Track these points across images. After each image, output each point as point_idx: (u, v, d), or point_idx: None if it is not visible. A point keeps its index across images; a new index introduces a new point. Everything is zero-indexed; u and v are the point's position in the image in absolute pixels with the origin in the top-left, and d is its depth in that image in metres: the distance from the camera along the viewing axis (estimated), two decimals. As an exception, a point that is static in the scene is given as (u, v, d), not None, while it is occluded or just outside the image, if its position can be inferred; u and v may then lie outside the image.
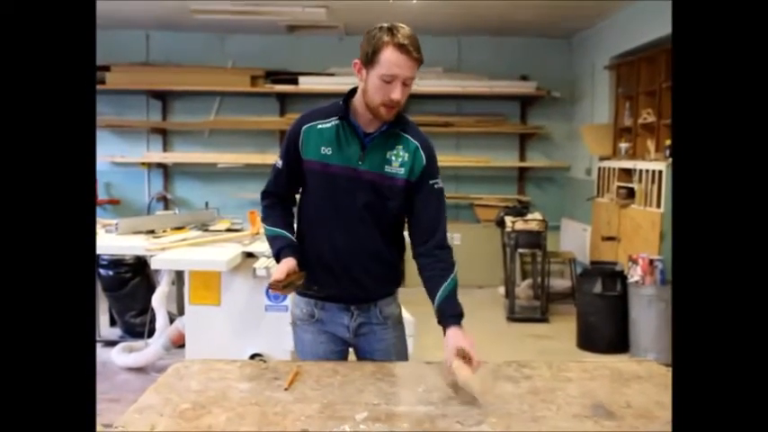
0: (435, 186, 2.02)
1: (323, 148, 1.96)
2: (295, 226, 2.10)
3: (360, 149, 1.95)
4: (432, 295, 1.97)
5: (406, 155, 1.97)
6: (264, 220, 2.10)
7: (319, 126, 1.98)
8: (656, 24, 5.13)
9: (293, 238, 2.04)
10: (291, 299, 2.16)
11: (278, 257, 1.99)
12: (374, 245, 2.00)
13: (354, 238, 1.98)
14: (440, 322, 1.93)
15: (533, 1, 5.67)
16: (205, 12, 6.06)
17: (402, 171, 1.97)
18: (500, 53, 7.26)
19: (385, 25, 1.87)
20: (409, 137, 2.00)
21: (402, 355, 2.13)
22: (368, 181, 1.95)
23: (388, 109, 1.89)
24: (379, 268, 2.04)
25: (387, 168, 1.96)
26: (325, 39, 7.13)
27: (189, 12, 6.07)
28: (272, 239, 2.05)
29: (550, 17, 6.30)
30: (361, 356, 2.11)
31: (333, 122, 1.97)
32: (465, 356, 1.78)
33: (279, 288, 1.88)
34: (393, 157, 1.97)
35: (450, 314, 1.92)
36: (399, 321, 2.15)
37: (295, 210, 2.15)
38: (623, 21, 5.97)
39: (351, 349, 2.15)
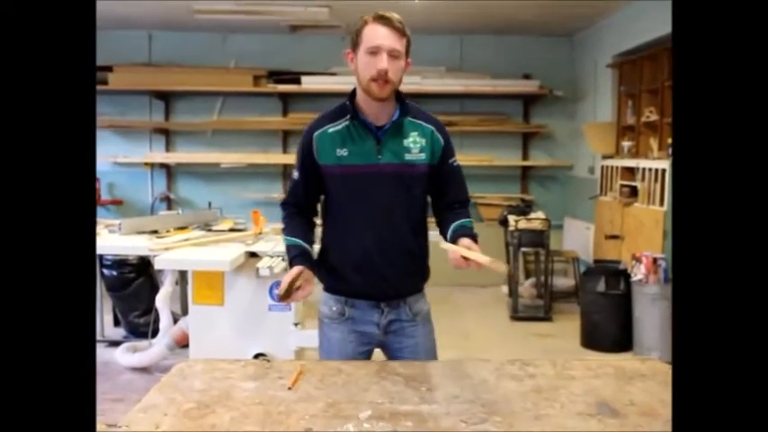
0: (454, 164, 2.07)
1: (338, 150, 1.96)
2: (317, 232, 2.13)
3: (375, 143, 1.96)
4: (445, 229, 2.02)
5: (424, 140, 1.99)
6: (283, 230, 2.11)
7: (330, 130, 1.99)
8: (659, 22, 5.12)
9: (307, 246, 2.04)
10: (320, 297, 2.16)
11: (290, 264, 2.00)
12: (402, 239, 2.00)
13: (383, 235, 1.99)
14: (452, 240, 1.96)
15: (535, 0, 5.66)
16: (207, 12, 6.07)
17: (423, 156, 1.99)
18: (502, 52, 7.25)
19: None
20: (422, 122, 2.01)
21: (430, 352, 2.13)
22: (390, 173, 1.96)
23: (380, 85, 1.89)
24: (408, 262, 2.04)
25: (407, 156, 1.97)
26: (328, 38, 7.14)
27: (191, 12, 6.08)
28: (287, 249, 2.05)
29: (553, 16, 6.30)
30: (390, 354, 2.11)
31: (343, 123, 1.98)
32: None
33: (284, 298, 1.89)
34: (411, 145, 1.98)
35: (463, 233, 1.97)
36: (428, 319, 2.16)
37: (317, 219, 2.16)
38: (625, 19, 5.96)
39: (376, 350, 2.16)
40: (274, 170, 7.34)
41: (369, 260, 1.99)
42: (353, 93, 2.02)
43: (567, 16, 6.32)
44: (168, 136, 7.39)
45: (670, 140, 5.07)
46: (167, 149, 7.37)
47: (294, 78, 6.97)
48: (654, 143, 5.37)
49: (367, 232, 1.99)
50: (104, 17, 6.20)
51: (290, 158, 7.24)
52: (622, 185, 5.59)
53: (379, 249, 1.99)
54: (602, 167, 6.15)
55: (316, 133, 1.99)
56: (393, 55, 1.87)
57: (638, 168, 5.35)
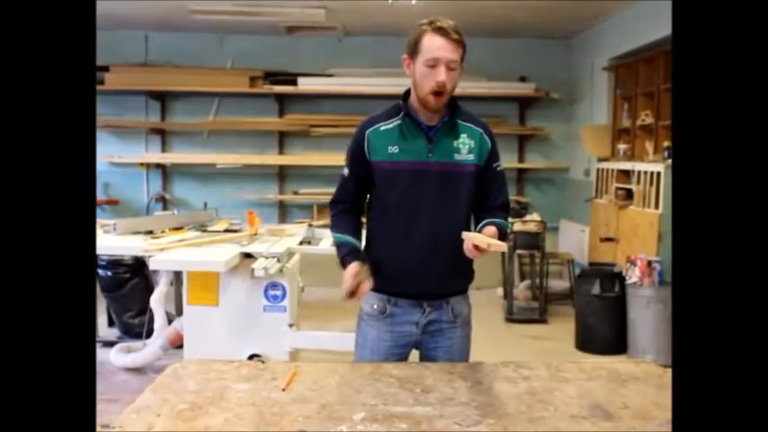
0: (498, 169, 2.11)
1: (390, 147, 2.00)
2: (364, 231, 2.14)
3: (427, 142, 2.00)
4: (477, 227, 2.05)
5: (473, 141, 2.03)
6: (333, 227, 2.13)
7: (382, 128, 2.03)
8: (655, 26, 5.13)
9: (358, 243, 2.06)
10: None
11: (343, 264, 2.00)
12: (449, 238, 2.00)
13: (430, 233, 2.01)
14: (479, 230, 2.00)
15: (532, 2, 5.67)
16: (204, 12, 6.06)
17: (472, 157, 2.03)
18: (499, 54, 7.26)
19: (427, 19, 1.96)
20: (471, 125, 2.06)
21: (464, 353, 2.15)
22: (439, 172, 2.00)
23: (437, 97, 1.94)
24: (454, 261, 2.05)
25: (456, 156, 2.01)
26: (324, 40, 7.14)
27: (188, 12, 6.07)
28: (338, 246, 2.07)
29: (549, 18, 6.31)
30: (423, 353, 2.12)
31: (395, 122, 2.02)
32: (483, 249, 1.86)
33: (351, 296, 1.89)
34: (461, 146, 2.02)
35: (490, 222, 2.01)
36: (468, 321, 2.18)
37: (363, 219, 2.18)
38: (622, 22, 5.98)
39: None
40: (270, 171, 7.33)
41: (415, 258, 2.01)
42: (407, 92, 2.05)
43: (563, 19, 6.33)
44: (164, 136, 7.38)
45: (665, 143, 5.09)
46: (163, 150, 7.36)
47: (290, 79, 6.97)
48: (649, 146, 5.38)
49: (414, 230, 2.01)
50: (101, 17, 6.17)
51: (286, 159, 7.25)
52: (618, 188, 5.61)
53: (426, 248, 2.00)
54: (598, 170, 6.16)
55: (368, 130, 2.03)
56: (450, 67, 1.92)
57: (633, 171, 5.36)
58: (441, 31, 1.90)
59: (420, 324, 2.08)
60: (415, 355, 2.16)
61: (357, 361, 2.14)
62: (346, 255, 2.01)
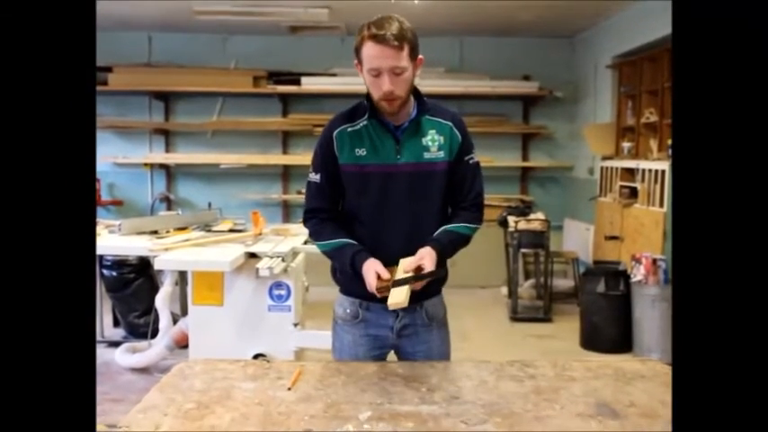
0: (471, 162, 2.02)
1: (357, 150, 1.94)
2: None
3: (395, 143, 1.94)
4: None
5: (442, 137, 1.96)
6: (318, 237, 2.02)
7: (349, 129, 1.96)
8: (658, 24, 5.12)
9: (356, 242, 1.96)
10: (335, 297, 2.12)
11: (353, 264, 1.92)
12: (421, 240, 1.94)
13: (401, 236, 1.95)
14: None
15: (535, 1, 5.66)
16: (207, 13, 6.07)
17: (442, 154, 1.96)
18: (502, 53, 7.25)
19: (370, 20, 1.87)
20: (440, 119, 1.98)
21: (444, 356, 2.09)
22: (409, 173, 1.94)
23: (389, 102, 1.87)
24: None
25: (426, 155, 1.95)
26: (328, 39, 7.14)
27: (191, 13, 6.08)
28: (337, 251, 1.97)
29: (552, 17, 6.30)
30: (402, 357, 2.08)
31: (361, 123, 1.96)
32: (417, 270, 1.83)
33: (385, 291, 1.83)
34: (430, 143, 1.95)
35: (436, 238, 1.94)
36: (444, 323, 2.12)
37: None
38: (625, 20, 5.97)
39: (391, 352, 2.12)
40: (274, 171, 7.34)
41: (386, 263, 1.91)
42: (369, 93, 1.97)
43: (566, 17, 6.32)
44: (168, 137, 7.39)
45: (670, 141, 5.08)
46: (167, 150, 7.37)
47: (294, 79, 6.97)
48: (654, 144, 5.37)
49: (385, 234, 1.96)
50: (104, 18, 6.20)
51: (290, 159, 7.25)
52: (622, 186, 5.60)
53: (397, 251, 1.93)
54: (602, 168, 6.15)
55: (335, 132, 1.96)
56: (395, 72, 1.83)
57: (637, 169, 5.35)
58: (377, 38, 1.80)
59: (395, 328, 2.03)
60: (392, 357, 2.12)
61: None
62: (355, 254, 1.92)
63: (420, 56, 1.91)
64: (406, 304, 1.79)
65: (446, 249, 1.94)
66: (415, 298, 1.96)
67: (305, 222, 2.07)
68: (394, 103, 1.88)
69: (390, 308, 1.80)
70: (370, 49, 1.83)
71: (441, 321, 2.10)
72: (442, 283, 2.10)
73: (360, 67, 1.91)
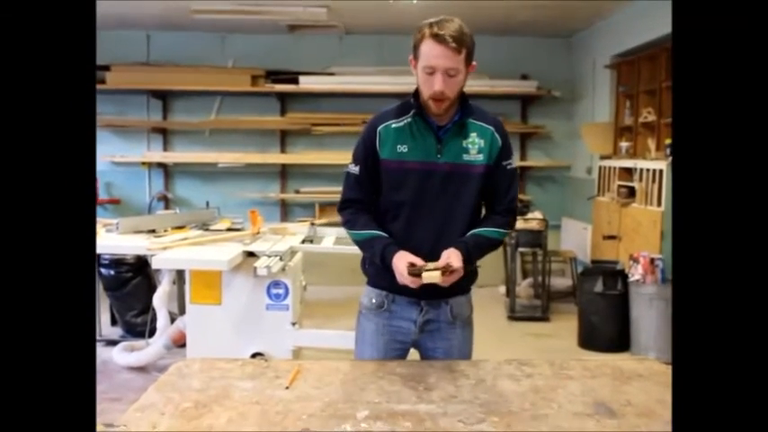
0: (508, 167, 2.06)
1: (399, 146, 1.97)
2: None
3: (436, 142, 1.97)
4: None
5: (483, 141, 2.00)
6: (352, 227, 2.05)
7: (393, 125, 1.99)
8: (657, 23, 5.12)
9: (385, 233, 2.00)
10: (363, 290, 2.14)
11: (384, 255, 1.94)
12: (452, 238, 1.97)
13: (433, 233, 1.98)
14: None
15: (533, 0, 5.66)
16: (206, 11, 6.06)
17: (481, 157, 1.99)
18: (500, 52, 7.25)
19: (431, 19, 1.91)
20: (482, 123, 2.02)
21: (464, 356, 2.11)
22: (448, 173, 1.97)
23: (436, 102, 1.91)
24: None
25: (465, 157, 1.98)
26: (326, 38, 7.13)
27: (189, 12, 6.07)
28: (368, 242, 2.00)
29: (551, 16, 6.30)
30: (423, 353, 2.10)
31: (406, 120, 1.99)
32: (446, 270, 1.85)
33: (417, 274, 1.84)
34: (470, 146, 1.99)
35: (463, 240, 1.96)
36: (468, 323, 2.15)
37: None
38: (623, 19, 5.97)
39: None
40: (272, 170, 7.33)
41: (418, 254, 1.92)
42: (418, 90, 2.00)
43: (564, 17, 6.32)
44: (166, 135, 7.38)
45: (668, 141, 5.08)
46: (165, 149, 7.36)
47: (292, 78, 6.96)
48: (651, 144, 5.37)
49: (418, 230, 1.99)
50: (102, 17, 6.19)
51: (288, 158, 7.25)
52: (620, 186, 5.60)
53: (428, 248, 1.95)
54: (600, 168, 6.15)
55: (380, 127, 2.00)
56: (449, 74, 1.87)
57: (635, 169, 5.36)
58: (438, 38, 1.85)
59: (418, 323, 2.05)
60: (414, 354, 2.14)
61: (357, 355, 2.13)
62: (386, 246, 1.95)
63: (474, 62, 1.97)
64: (438, 280, 1.83)
65: (472, 251, 1.96)
66: (443, 294, 2.01)
67: (340, 211, 2.11)
68: (442, 104, 1.92)
69: (425, 280, 1.83)
70: (429, 47, 1.87)
71: (465, 321, 2.13)
72: (470, 283, 2.12)
73: (414, 63, 1.94)
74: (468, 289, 2.14)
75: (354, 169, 2.05)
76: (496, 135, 2.02)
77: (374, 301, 2.08)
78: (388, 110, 2.05)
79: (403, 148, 1.97)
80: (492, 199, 2.06)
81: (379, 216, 2.05)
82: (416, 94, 1.99)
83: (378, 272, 2.04)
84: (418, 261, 1.88)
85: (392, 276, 1.93)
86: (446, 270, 1.84)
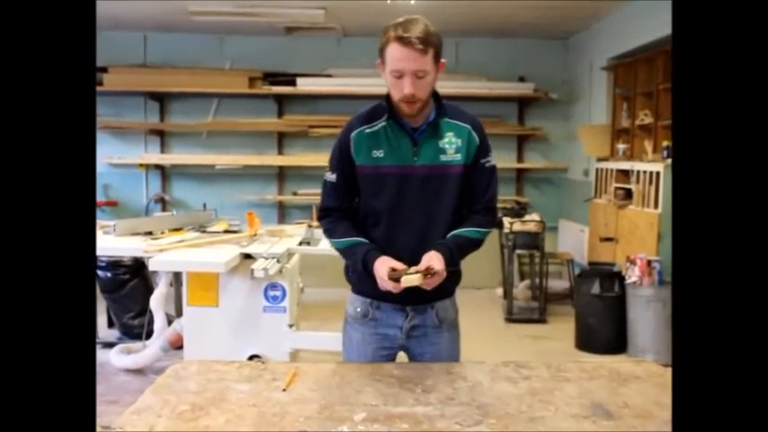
0: (487, 165, 2.01)
1: (374, 151, 1.94)
2: None
3: (412, 145, 1.94)
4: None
5: (460, 140, 1.96)
6: (332, 235, 2.03)
7: (367, 130, 1.96)
8: (654, 25, 5.14)
9: (368, 241, 1.97)
10: (347, 297, 2.12)
11: (365, 261, 1.93)
12: (434, 241, 1.95)
13: (415, 237, 1.95)
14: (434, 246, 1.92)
15: (531, 2, 5.67)
16: (203, 13, 6.06)
17: (459, 157, 1.96)
18: (498, 54, 7.27)
19: (396, 20, 1.87)
20: (458, 122, 1.98)
21: (453, 359, 2.09)
22: (425, 175, 1.94)
23: (408, 104, 1.88)
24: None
25: (442, 158, 1.95)
26: (324, 40, 7.14)
27: (187, 13, 6.07)
28: (349, 249, 1.98)
29: (548, 18, 6.31)
30: (412, 358, 2.09)
31: (380, 124, 1.96)
32: (428, 272, 1.82)
33: (398, 279, 1.81)
34: (447, 146, 1.95)
35: (443, 242, 1.94)
36: (455, 326, 2.12)
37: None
38: (620, 22, 5.98)
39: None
40: (269, 172, 7.33)
41: (398, 260, 1.90)
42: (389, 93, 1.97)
43: (562, 19, 6.33)
44: (163, 137, 7.38)
45: (664, 143, 5.10)
46: (162, 151, 7.36)
47: (289, 80, 6.97)
48: (648, 146, 5.39)
49: (398, 235, 1.96)
50: (100, 18, 6.17)
51: (285, 160, 7.25)
52: (617, 188, 5.61)
53: (411, 252, 1.93)
54: (597, 170, 6.16)
55: (353, 133, 1.96)
56: (418, 76, 1.84)
57: (632, 171, 5.37)
58: (403, 40, 1.80)
59: (404, 328, 2.03)
60: (403, 357, 2.12)
61: None
62: (367, 252, 1.93)
63: (443, 60, 1.92)
64: (417, 282, 1.80)
65: (453, 253, 1.94)
66: (428, 299, 1.99)
67: (319, 219, 2.10)
68: (414, 106, 1.89)
69: (403, 284, 1.80)
70: (394, 51, 1.83)
71: (451, 324, 2.10)
72: (454, 285, 2.10)
73: (382, 67, 1.91)
74: (452, 291, 2.11)
75: (331, 177, 2.02)
76: (473, 133, 1.98)
77: (359, 309, 2.06)
78: (361, 114, 2.01)
79: (378, 153, 1.94)
80: (471, 198, 2.02)
81: (360, 222, 2.03)
82: (388, 96, 1.95)
83: (361, 278, 2.01)
84: (399, 266, 1.86)
85: (375, 282, 1.90)
86: (427, 273, 1.82)
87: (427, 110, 1.96)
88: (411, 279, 1.80)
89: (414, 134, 1.96)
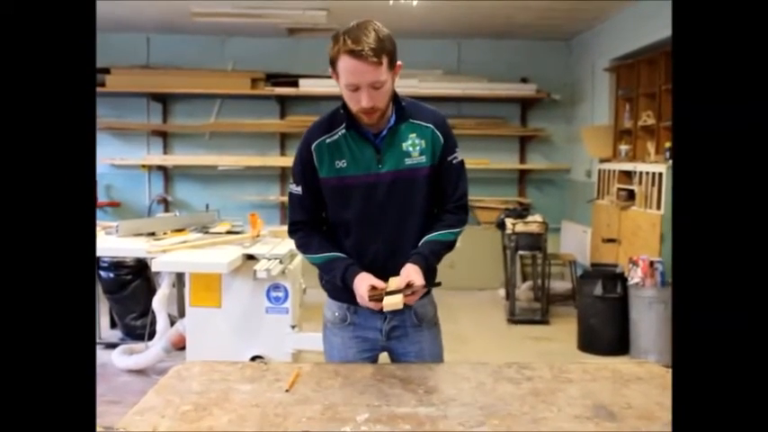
0: (454, 162, 1.96)
1: (337, 161, 1.89)
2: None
3: (375, 152, 1.89)
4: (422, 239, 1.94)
5: (423, 141, 1.90)
6: (307, 250, 1.99)
7: (327, 140, 1.90)
8: (656, 26, 5.13)
9: (345, 256, 1.93)
10: (324, 301, 2.11)
11: (344, 278, 1.89)
12: (407, 246, 1.93)
13: (387, 243, 1.92)
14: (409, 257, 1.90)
15: (532, 3, 5.67)
16: (205, 15, 6.07)
17: (424, 159, 1.90)
18: (500, 56, 7.27)
19: (342, 29, 1.80)
20: (421, 122, 1.92)
21: (436, 356, 2.07)
22: (392, 181, 1.89)
23: (368, 115, 1.82)
24: None
25: (407, 161, 1.89)
26: (326, 41, 6.93)
27: (189, 15, 6.08)
28: (327, 265, 1.94)
29: (550, 19, 6.31)
30: (395, 359, 2.06)
31: (339, 133, 1.90)
32: (409, 288, 1.80)
33: (378, 299, 1.79)
34: (410, 148, 1.90)
35: (418, 251, 1.90)
36: (435, 323, 2.09)
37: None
38: (623, 23, 5.98)
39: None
40: (272, 173, 7.34)
41: (373, 268, 1.90)
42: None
43: (564, 20, 6.33)
44: (166, 138, 7.39)
45: (667, 144, 5.09)
46: (165, 152, 7.37)
47: (292, 81, 6.97)
48: (651, 147, 5.38)
49: (370, 245, 1.93)
50: (102, 19, 6.19)
51: (288, 161, 7.22)
52: (619, 189, 5.60)
53: (383, 258, 1.92)
54: (600, 171, 6.16)
55: (313, 145, 1.90)
56: (375, 87, 1.76)
57: (635, 172, 5.36)
58: (354, 53, 1.72)
59: (384, 330, 2.01)
60: (384, 357, 2.10)
61: None
62: (347, 268, 1.89)
63: (399, 62, 1.85)
64: (400, 306, 1.78)
65: (430, 261, 1.91)
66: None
67: (290, 234, 2.04)
68: (374, 116, 1.83)
69: (386, 309, 1.79)
70: (347, 64, 1.76)
71: (431, 321, 2.08)
72: (431, 283, 2.05)
73: (336, 77, 1.83)
74: (428, 291, 2.06)
75: (296, 189, 1.97)
76: (437, 132, 1.92)
77: (337, 314, 2.04)
78: (320, 122, 1.94)
79: (341, 164, 1.88)
80: (442, 197, 1.98)
81: (331, 232, 1.99)
82: (345, 104, 1.88)
83: (335, 287, 1.99)
84: (379, 284, 1.83)
85: (353, 293, 1.87)
86: (407, 289, 1.79)
87: (387, 114, 1.89)
88: (393, 303, 1.77)
89: (375, 140, 1.89)
